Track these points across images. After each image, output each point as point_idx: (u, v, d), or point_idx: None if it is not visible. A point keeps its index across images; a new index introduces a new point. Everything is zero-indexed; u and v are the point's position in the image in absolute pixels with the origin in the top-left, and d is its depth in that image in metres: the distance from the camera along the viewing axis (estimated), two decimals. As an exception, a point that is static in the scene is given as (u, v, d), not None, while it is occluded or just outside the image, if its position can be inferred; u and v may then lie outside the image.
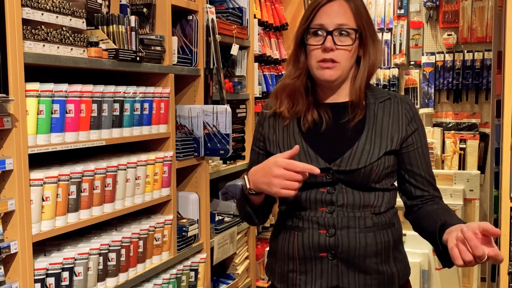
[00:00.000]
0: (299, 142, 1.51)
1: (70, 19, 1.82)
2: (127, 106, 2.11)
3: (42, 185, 1.73)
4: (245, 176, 1.48)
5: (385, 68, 4.63)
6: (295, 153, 1.38)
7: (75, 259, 1.86)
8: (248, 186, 1.46)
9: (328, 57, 1.46)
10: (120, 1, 2.26)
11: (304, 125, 1.53)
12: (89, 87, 1.90)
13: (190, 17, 2.54)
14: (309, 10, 1.51)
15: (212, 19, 2.60)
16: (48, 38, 1.73)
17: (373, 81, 1.66)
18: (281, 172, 1.35)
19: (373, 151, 1.46)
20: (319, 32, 1.47)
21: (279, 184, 1.35)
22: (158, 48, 2.29)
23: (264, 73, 3.51)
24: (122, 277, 2.10)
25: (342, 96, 1.54)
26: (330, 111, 1.52)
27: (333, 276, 1.47)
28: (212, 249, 2.73)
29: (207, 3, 2.64)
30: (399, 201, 1.58)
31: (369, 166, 1.45)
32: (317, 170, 1.34)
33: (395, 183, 1.57)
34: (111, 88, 2.02)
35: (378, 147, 1.47)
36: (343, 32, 1.46)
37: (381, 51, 1.56)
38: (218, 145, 2.55)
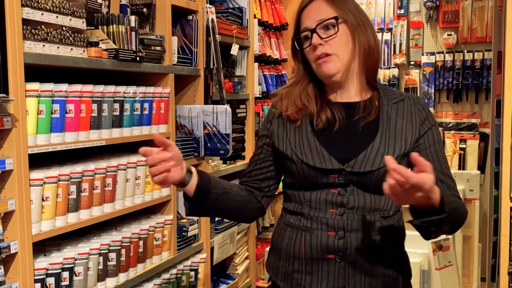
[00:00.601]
0: (312, 141, 1.49)
1: (70, 19, 1.82)
2: (127, 106, 2.11)
3: (42, 185, 1.73)
4: None
5: (385, 68, 4.63)
6: (159, 141, 1.39)
7: (75, 259, 1.86)
8: None
9: (320, 53, 1.47)
10: (120, 1, 2.26)
11: (317, 125, 1.51)
12: (89, 87, 1.90)
13: (190, 17, 2.54)
14: (295, 18, 1.56)
15: (212, 19, 2.60)
16: (48, 38, 1.73)
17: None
18: (147, 162, 1.40)
19: (387, 154, 1.44)
20: (307, 35, 1.50)
21: (150, 173, 1.40)
22: (158, 48, 2.29)
23: (264, 73, 3.50)
24: (122, 277, 2.10)
25: (353, 94, 1.54)
26: (343, 110, 1.51)
27: (339, 278, 1.47)
28: (212, 249, 2.73)
29: (207, 3, 2.64)
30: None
31: (383, 169, 1.43)
32: (164, 141, 1.38)
33: None
34: (111, 88, 2.02)
35: (392, 149, 1.46)
36: (326, 25, 1.47)
37: (375, 37, 1.54)
38: (218, 145, 2.55)
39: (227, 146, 2.54)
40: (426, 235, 1.38)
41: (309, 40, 1.49)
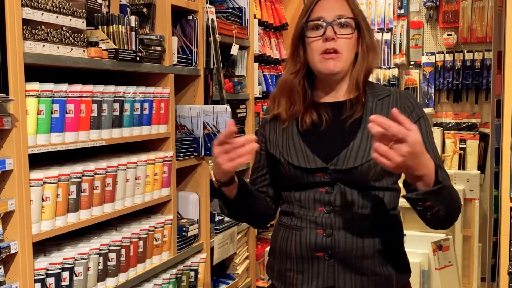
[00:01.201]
0: (298, 142, 1.51)
1: (70, 19, 1.82)
2: (127, 106, 2.11)
3: (42, 185, 1.73)
4: (211, 172, 1.48)
5: (385, 68, 4.63)
6: (229, 130, 1.35)
7: (75, 259, 1.86)
8: (214, 179, 1.47)
9: (330, 47, 1.46)
10: (120, 1, 2.26)
11: (302, 126, 1.53)
12: (89, 87, 1.90)
13: (190, 17, 2.54)
14: (307, 6, 1.53)
15: (212, 19, 2.60)
16: (48, 38, 1.73)
17: (373, 81, 1.66)
18: (216, 150, 1.35)
19: (369, 149, 1.45)
20: (319, 24, 1.48)
21: (223, 160, 1.35)
22: (158, 48, 2.29)
23: (264, 73, 3.50)
24: (122, 277, 2.10)
25: (341, 94, 1.54)
26: (329, 110, 1.52)
27: (329, 277, 1.47)
28: (212, 249, 2.73)
29: (207, 3, 2.64)
30: (402, 201, 1.57)
31: (366, 164, 1.44)
32: (233, 129, 1.33)
33: (399, 183, 1.56)
34: (111, 88, 2.02)
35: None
36: (342, 23, 1.47)
37: (378, 46, 1.56)
38: (218, 145, 2.55)
39: (227, 146, 2.54)
40: (422, 213, 1.33)
41: (319, 31, 1.47)
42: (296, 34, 1.54)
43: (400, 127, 1.17)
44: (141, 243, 2.20)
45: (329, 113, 1.52)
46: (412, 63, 4.60)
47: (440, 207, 1.31)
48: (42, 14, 1.70)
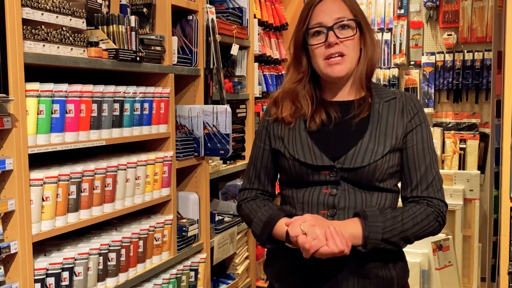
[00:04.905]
0: (304, 139, 1.51)
1: (70, 19, 1.82)
2: (127, 106, 2.11)
3: (42, 185, 1.73)
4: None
5: (385, 68, 4.63)
6: None
7: (75, 259, 1.86)
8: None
9: (335, 51, 1.46)
10: (120, 1, 2.26)
11: (310, 126, 1.52)
12: (89, 87, 1.90)
13: (190, 17, 2.54)
14: (304, 12, 1.52)
15: (212, 19, 2.60)
16: (48, 38, 1.73)
17: (373, 80, 1.67)
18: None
19: (377, 149, 1.46)
20: (320, 30, 1.48)
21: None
22: (158, 48, 2.29)
23: (264, 73, 3.50)
24: (122, 277, 2.10)
25: (348, 94, 1.55)
26: (338, 110, 1.52)
27: (332, 280, 1.47)
28: (212, 249, 2.73)
29: (207, 3, 2.64)
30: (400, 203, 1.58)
31: (373, 164, 1.45)
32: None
33: (399, 185, 1.56)
34: (111, 88, 2.02)
35: (382, 145, 1.47)
36: (343, 25, 1.47)
37: (378, 44, 1.57)
38: (218, 145, 2.55)
39: (227, 146, 2.54)
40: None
41: (321, 36, 1.47)
42: (298, 42, 1.53)
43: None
44: (141, 243, 2.20)
45: (338, 112, 1.52)
46: (412, 63, 4.60)
47: (399, 244, 1.45)
48: (42, 14, 1.70)
